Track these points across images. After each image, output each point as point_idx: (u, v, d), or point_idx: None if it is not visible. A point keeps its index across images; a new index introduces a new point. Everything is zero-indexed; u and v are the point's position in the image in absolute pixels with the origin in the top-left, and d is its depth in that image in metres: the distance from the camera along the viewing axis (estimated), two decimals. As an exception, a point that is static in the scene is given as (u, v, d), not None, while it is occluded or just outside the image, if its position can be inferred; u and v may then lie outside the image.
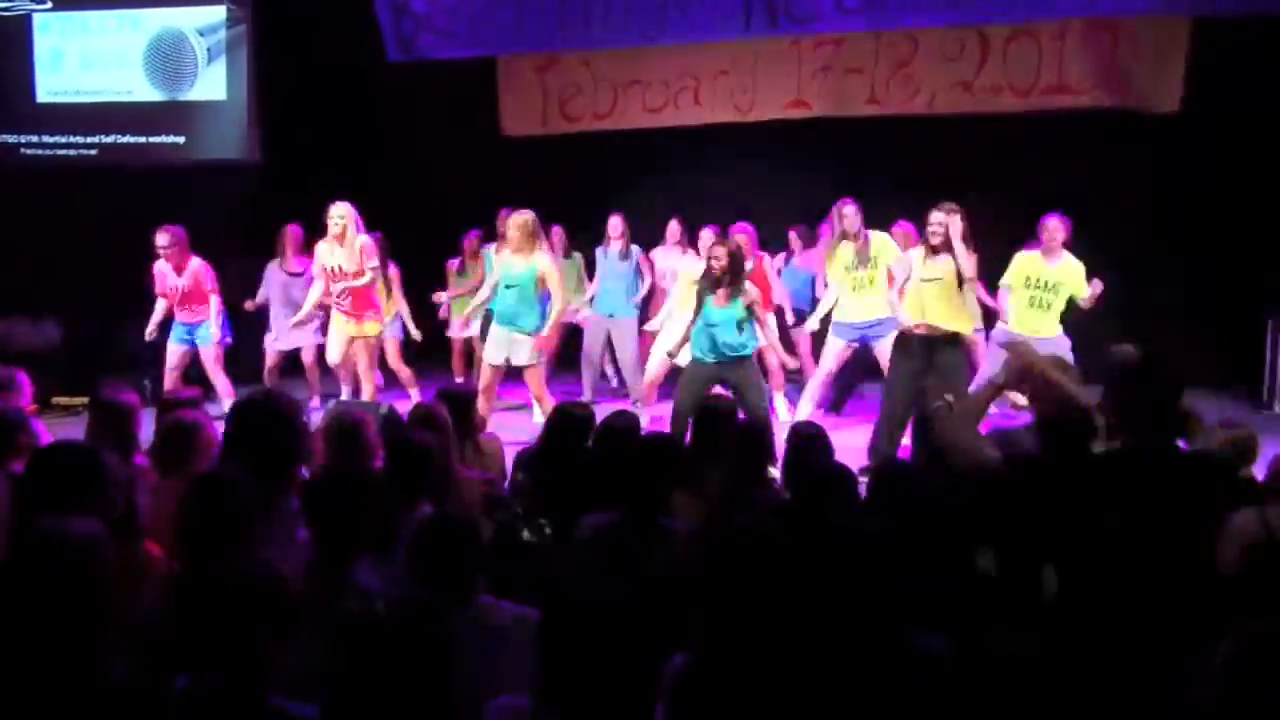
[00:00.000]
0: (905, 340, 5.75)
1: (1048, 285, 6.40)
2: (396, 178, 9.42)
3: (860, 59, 8.28)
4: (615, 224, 7.87)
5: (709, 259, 5.97)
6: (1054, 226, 6.40)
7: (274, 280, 7.93)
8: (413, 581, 2.51)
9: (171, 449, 3.39)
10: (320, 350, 7.49)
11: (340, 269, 6.65)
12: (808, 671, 1.99)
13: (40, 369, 5.04)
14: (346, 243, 6.61)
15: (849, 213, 6.81)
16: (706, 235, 7.35)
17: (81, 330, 8.34)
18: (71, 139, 9.16)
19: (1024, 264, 6.52)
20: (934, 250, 5.69)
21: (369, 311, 6.84)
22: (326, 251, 6.67)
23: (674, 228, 7.97)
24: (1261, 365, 7.82)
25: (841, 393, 7.49)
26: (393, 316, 7.73)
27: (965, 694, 2.02)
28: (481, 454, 4.08)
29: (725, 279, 5.82)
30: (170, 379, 7.02)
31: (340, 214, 6.60)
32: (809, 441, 3.54)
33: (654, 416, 7.07)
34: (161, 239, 7.06)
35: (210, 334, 7.21)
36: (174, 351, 7.19)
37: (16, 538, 2.48)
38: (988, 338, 6.97)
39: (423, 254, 8.37)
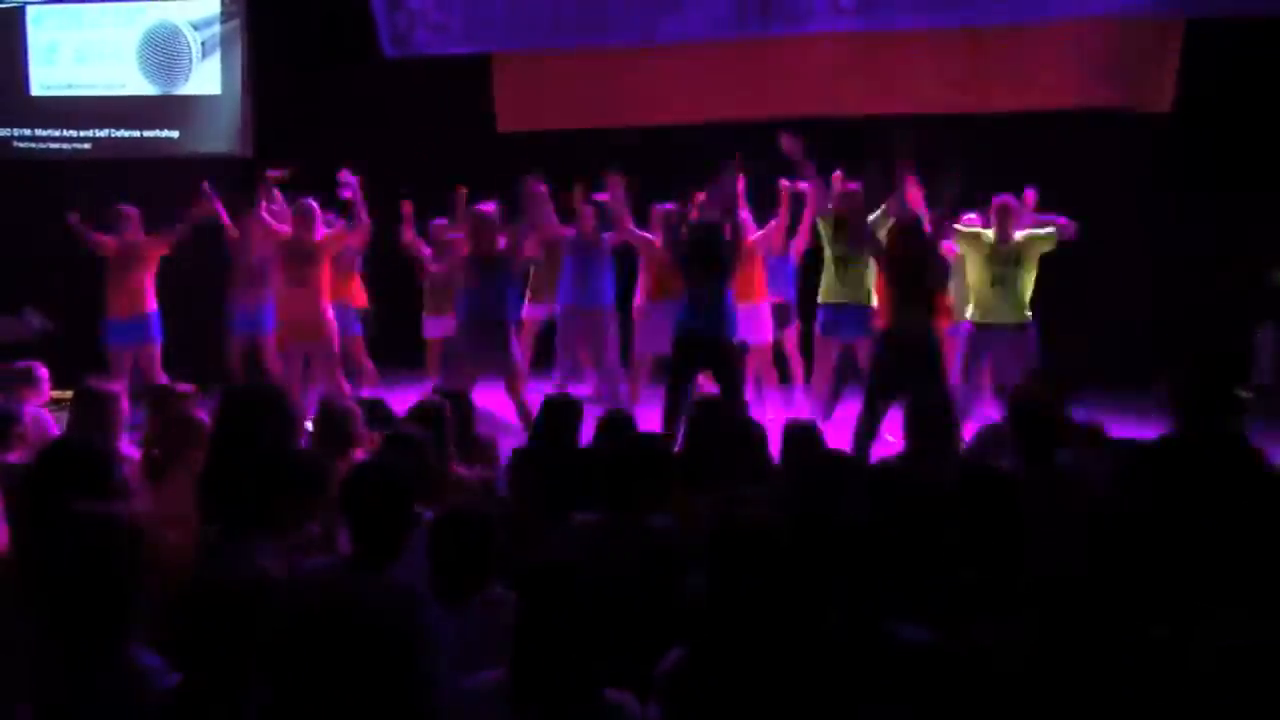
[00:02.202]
0: (881, 344, 5.72)
1: (1009, 260, 6.22)
2: (391, 174, 9.41)
3: (853, 58, 8.30)
4: (587, 212, 7.47)
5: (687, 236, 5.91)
6: (999, 206, 6.25)
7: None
8: (431, 573, 2.55)
9: (169, 443, 3.38)
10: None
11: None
12: (797, 664, 2.01)
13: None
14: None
15: (849, 189, 6.67)
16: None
17: (74, 324, 8.31)
18: (65, 133, 9.15)
19: (981, 238, 6.30)
20: None
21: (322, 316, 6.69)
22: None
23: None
24: (1249, 367, 7.86)
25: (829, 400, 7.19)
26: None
27: (951, 685, 2.05)
28: (480, 452, 4.10)
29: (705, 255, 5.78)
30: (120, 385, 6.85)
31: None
32: (805, 437, 3.57)
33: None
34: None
35: (151, 329, 7.04)
36: (120, 354, 6.97)
37: (32, 525, 2.50)
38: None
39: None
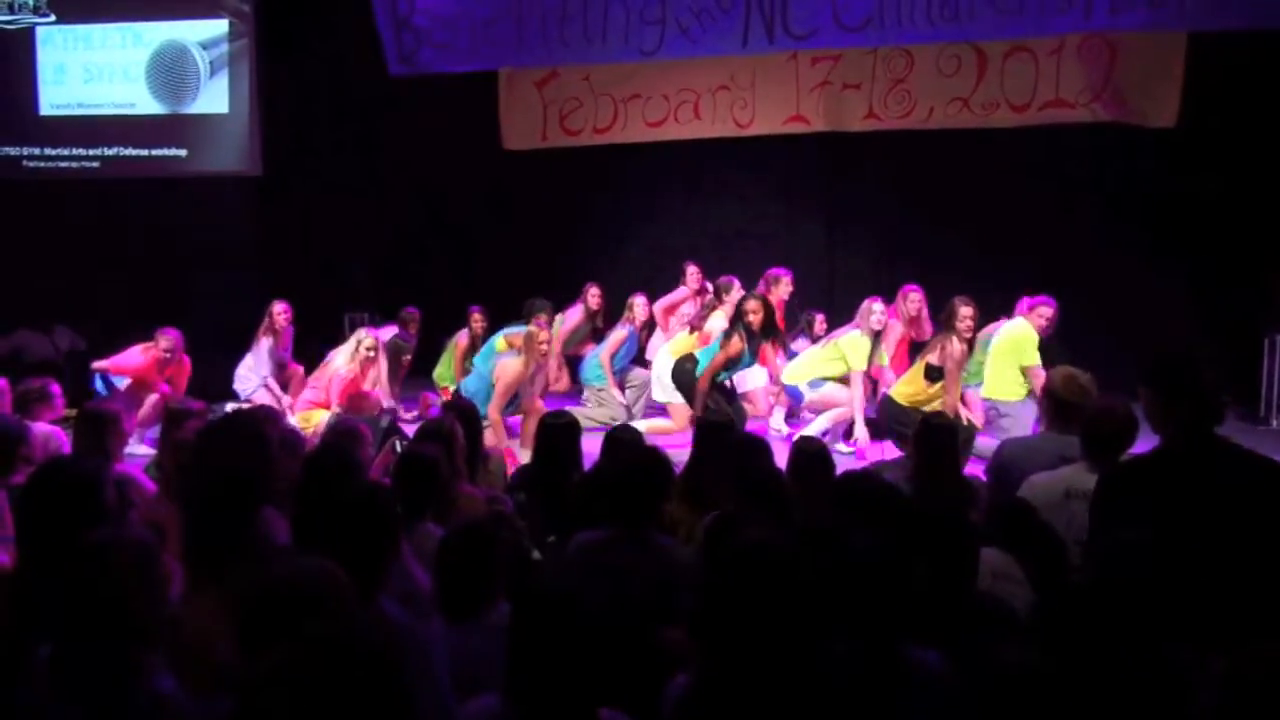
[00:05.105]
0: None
1: None
2: (397, 191, 9.46)
3: (858, 75, 8.34)
4: (643, 304, 7.65)
5: (746, 313, 5.97)
6: (1051, 314, 6.27)
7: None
8: (436, 593, 2.54)
9: (179, 463, 3.39)
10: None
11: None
12: (809, 691, 2.00)
13: (58, 380, 5.14)
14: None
15: (879, 310, 6.54)
16: (693, 271, 7.45)
17: (84, 341, 8.35)
18: (74, 151, 9.20)
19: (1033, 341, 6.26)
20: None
21: None
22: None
23: (692, 271, 7.81)
24: (1259, 382, 7.84)
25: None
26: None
27: (964, 709, 2.05)
28: (488, 470, 4.11)
29: (762, 332, 6.00)
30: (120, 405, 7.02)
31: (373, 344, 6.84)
32: (812, 458, 3.56)
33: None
34: (165, 341, 7.01)
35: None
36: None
37: (29, 549, 2.51)
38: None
39: (423, 269, 8.39)
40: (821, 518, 2.85)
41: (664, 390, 6.81)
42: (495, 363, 6.53)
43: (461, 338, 7.90)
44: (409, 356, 8.09)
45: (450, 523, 3.12)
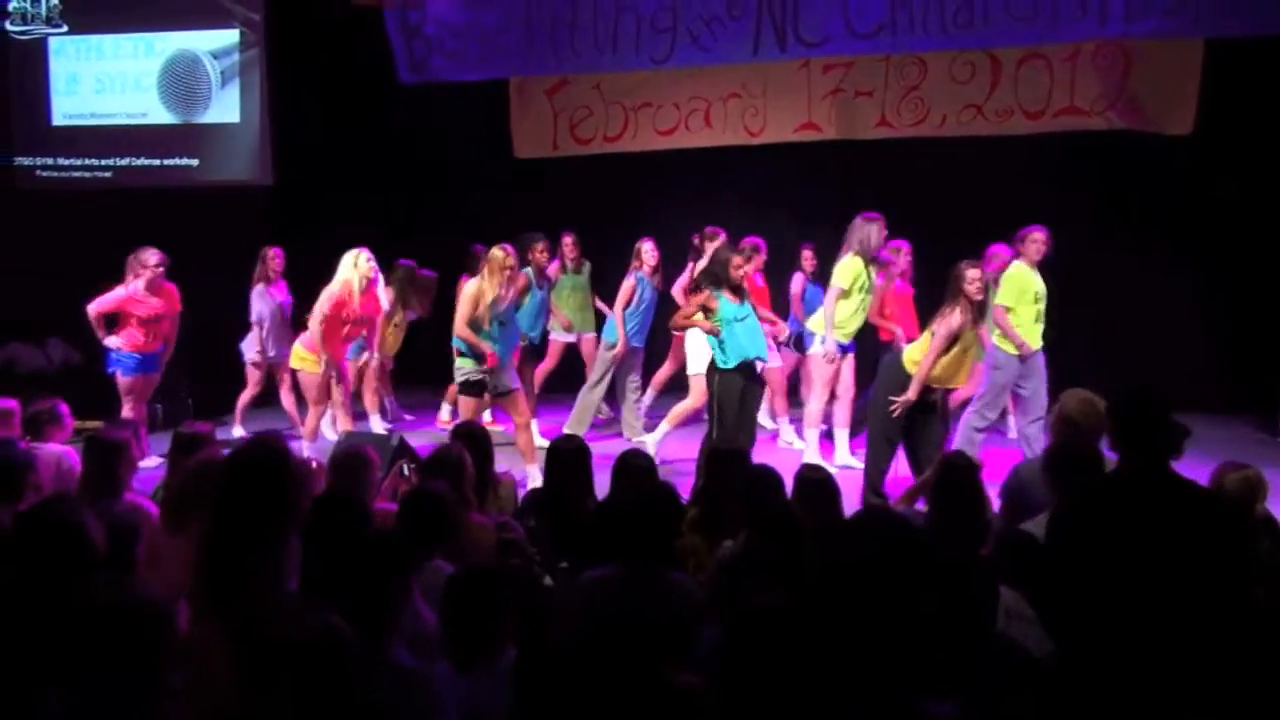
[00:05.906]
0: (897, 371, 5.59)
1: (1039, 297, 6.25)
2: (409, 200, 9.46)
3: (870, 82, 8.29)
4: (651, 249, 7.55)
5: (726, 267, 5.89)
6: (1044, 238, 6.23)
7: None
8: (444, 637, 2.52)
9: (193, 496, 3.35)
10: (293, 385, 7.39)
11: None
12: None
13: (55, 392, 5.12)
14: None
15: (860, 223, 6.50)
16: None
17: (78, 353, 8.36)
18: (86, 161, 9.23)
19: (1023, 279, 6.20)
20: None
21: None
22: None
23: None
24: (1276, 392, 7.75)
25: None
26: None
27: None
28: (498, 496, 4.09)
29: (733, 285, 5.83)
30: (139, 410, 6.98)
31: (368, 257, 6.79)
32: (817, 486, 3.53)
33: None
34: (154, 257, 6.90)
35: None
36: (147, 380, 7.08)
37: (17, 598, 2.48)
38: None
39: (435, 278, 8.37)
40: (832, 556, 2.82)
41: (699, 363, 6.74)
42: None
43: (463, 280, 7.83)
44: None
45: (460, 556, 3.11)
